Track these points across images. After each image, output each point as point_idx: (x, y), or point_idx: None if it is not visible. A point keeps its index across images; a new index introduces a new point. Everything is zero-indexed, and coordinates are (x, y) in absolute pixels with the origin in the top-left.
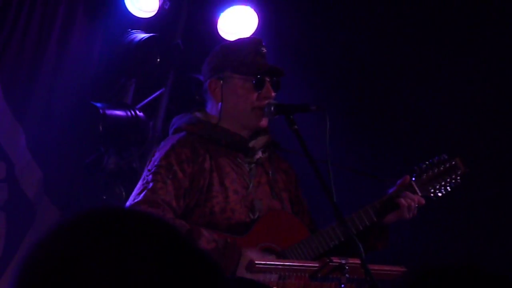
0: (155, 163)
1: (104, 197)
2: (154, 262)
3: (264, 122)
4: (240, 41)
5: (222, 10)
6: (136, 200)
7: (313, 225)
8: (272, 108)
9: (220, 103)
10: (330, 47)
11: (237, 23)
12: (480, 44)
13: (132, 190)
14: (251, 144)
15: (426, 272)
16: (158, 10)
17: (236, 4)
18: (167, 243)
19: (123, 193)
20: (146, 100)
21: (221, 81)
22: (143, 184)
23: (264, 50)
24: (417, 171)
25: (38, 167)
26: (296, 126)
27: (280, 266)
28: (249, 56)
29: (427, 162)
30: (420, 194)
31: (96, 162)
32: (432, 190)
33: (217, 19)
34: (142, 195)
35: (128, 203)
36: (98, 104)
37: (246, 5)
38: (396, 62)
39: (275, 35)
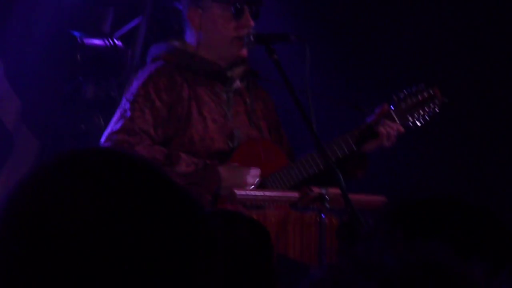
0: (133, 92)
1: (83, 126)
2: (130, 200)
3: (243, 51)
4: None
5: None
6: (114, 129)
7: (291, 154)
8: (252, 37)
9: (199, 32)
10: None
11: None
12: None
13: (110, 120)
14: (229, 73)
15: (407, 203)
16: None
17: None
18: (143, 180)
19: (102, 122)
20: (124, 29)
21: (200, 10)
22: (121, 113)
23: None
24: (395, 100)
25: (16, 97)
26: (276, 56)
27: (260, 197)
28: None
29: (405, 91)
30: (398, 123)
31: (75, 91)
32: (411, 119)
33: None
34: (120, 123)
35: (106, 132)
36: (76, 33)
37: None
38: None
39: None
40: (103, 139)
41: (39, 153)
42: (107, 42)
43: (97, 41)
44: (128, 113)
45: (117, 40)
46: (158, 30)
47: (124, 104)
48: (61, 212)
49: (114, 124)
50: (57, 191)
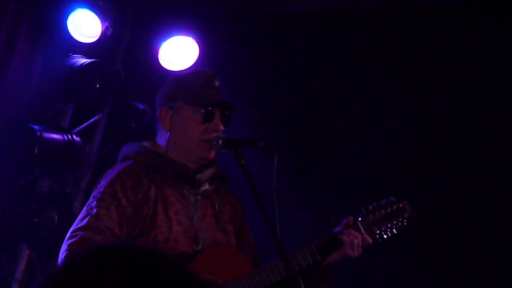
0: (100, 190)
1: (36, 220)
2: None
3: (211, 154)
4: (194, 73)
5: (164, 40)
6: (79, 226)
7: (256, 260)
8: (220, 142)
9: (168, 133)
10: (273, 81)
11: (178, 53)
12: (426, 81)
13: (64, 215)
14: (197, 176)
15: None
16: (100, 36)
17: (177, 35)
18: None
19: (56, 217)
20: (83, 125)
21: (172, 111)
22: (87, 210)
23: (217, 83)
24: (364, 212)
25: None
26: (243, 161)
27: None
28: (201, 88)
29: (374, 204)
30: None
31: (30, 184)
32: (378, 232)
33: (158, 48)
34: (85, 220)
35: (71, 228)
36: (36, 127)
37: (188, 35)
38: (343, 97)
39: (216, 67)
40: (68, 235)
41: None
42: (65, 137)
43: (55, 136)
44: (94, 210)
45: (75, 135)
46: (116, 128)
47: (91, 201)
48: None
49: (79, 220)
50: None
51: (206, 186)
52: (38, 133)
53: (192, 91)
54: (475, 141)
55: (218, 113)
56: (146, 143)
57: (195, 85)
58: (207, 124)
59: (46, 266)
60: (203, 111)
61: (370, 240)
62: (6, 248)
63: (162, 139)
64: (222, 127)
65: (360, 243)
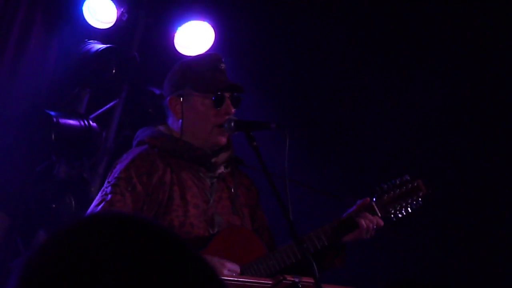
0: (115, 175)
1: (54, 206)
2: (146, 265)
3: (223, 138)
4: (199, 58)
5: (179, 25)
6: (93, 212)
7: (272, 243)
8: (232, 124)
9: (180, 120)
10: (287, 64)
11: (193, 38)
12: (432, 61)
13: (82, 200)
14: (213, 159)
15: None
16: (115, 22)
17: (193, 19)
18: (160, 246)
19: (72, 203)
20: (99, 111)
21: (181, 98)
22: (102, 196)
23: (223, 66)
24: (378, 192)
25: None
26: (255, 143)
27: (234, 282)
28: (208, 72)
29: (388, 183)
30: (379, 215)
31: (47, 170)
32: (393, 211)
33: (174, 33)
34: (100, 207)
35: (86, 214)
36: (52, 113)
37: (203, 20)
38: (357, 79)
39: (232, 51)
40: None
41: (9, 230)
42: (82, 123)
43: (72, 122)
44: (109, 196)
45: (92, 121)
46: (133, 113)
47: (106, 187)
48: (80, 276)
49: (94, 206)
50: (77, 255)
51: (222, 169)
52: (55, 119)
53: (200, 77)
54: (490, 122)
55: (228, 96)
56: (161, 127)
57: (202, 70)
58: (218, 108)
59: None
60: (213, 96)
61: (383, 223)
62: (23, 234)
63: (174, 125)
64: (233, 110)
65: (375, 227)
